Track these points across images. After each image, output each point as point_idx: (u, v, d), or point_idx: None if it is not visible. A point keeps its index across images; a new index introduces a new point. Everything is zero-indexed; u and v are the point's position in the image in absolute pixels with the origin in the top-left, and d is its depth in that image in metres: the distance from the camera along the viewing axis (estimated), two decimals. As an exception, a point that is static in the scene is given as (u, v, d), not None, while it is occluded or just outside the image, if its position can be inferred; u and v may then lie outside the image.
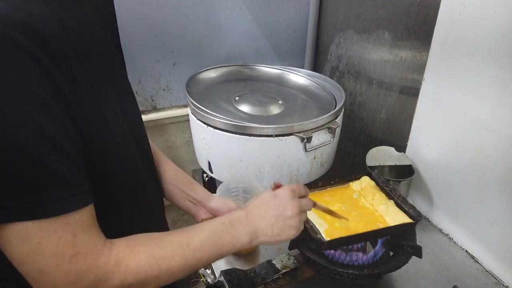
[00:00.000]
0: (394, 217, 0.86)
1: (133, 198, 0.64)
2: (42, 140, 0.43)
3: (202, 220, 0.80)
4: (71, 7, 0.54)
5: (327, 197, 0.93)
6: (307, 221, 0.84)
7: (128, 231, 0.57)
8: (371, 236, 0.86)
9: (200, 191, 0.83)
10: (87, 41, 0.53)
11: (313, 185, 0.95)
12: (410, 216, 0.86)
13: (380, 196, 0.92)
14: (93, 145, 0.51)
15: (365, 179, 0.98)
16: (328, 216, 0.82)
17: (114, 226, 0.55)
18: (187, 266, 0.57)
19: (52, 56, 0.45)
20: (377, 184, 0.97)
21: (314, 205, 0.72)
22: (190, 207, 0.82)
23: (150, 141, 0.75)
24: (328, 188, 0.96)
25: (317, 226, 0.83)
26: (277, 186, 0.68)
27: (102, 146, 0.53)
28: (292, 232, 0.64)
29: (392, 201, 0.91)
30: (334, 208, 0.90)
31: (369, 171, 1.00)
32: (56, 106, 0.45)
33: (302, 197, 0.68)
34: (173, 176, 0.82)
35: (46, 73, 0.44)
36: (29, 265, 0.45)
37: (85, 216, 0.48)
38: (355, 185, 0.98)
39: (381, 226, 0.84)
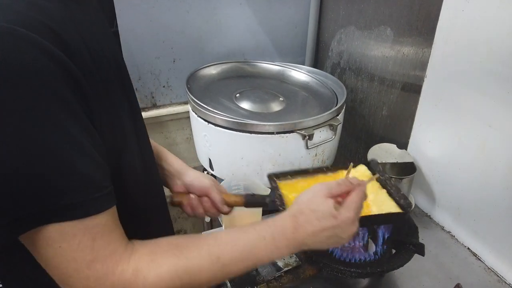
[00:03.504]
0: (381, 206, 0.79)
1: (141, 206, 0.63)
2: (69, 143, 0.42)
3: (176, 193, 0.77)
4: (80, 8, 0.53)
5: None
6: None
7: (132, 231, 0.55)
8: None
9: (176, 164, 0.80)
10: (97, 44, 0.52)
11: (303, 172, 0.87)
12: (401, 206, 0.79)
13: (372, 185, 0.84)
14: (110, 147, 0.50)
15: (361, 168, 0.90)
16: None
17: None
18: (213, 280, 0.53)
19: (74, 60, 0.44)
20: (373, 173, 0.92)
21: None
22: (166, 180, 0.80)
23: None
24: (320, 175, 0.88)
25: None
26: (338, 202, 0.59)
27: (118, 151, 0.53)
28: (339, 244, 0.62)
29: (384, 190, 0.84)
30: None
31: (367, 161, 0.96)
32: (81, 111, 0.44)
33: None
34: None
35: (72, 79, 0.43)
36: (52, 268, 0.45)
37: (106, 219, 0.46)
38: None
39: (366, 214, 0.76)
